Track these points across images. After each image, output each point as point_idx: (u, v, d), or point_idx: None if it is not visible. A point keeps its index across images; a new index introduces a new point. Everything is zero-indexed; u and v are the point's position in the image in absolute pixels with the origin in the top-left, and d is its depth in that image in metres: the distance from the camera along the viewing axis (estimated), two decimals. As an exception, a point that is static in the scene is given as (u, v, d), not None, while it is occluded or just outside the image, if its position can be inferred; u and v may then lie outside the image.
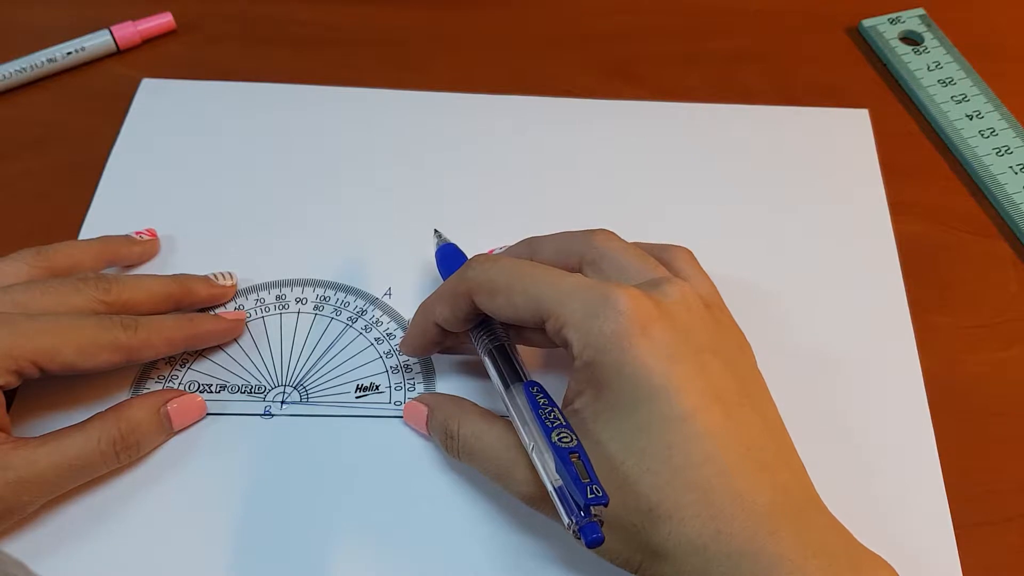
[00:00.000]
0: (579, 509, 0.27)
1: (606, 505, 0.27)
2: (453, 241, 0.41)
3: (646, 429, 0.29)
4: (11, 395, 0.36)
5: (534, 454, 0.30)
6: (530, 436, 0.31)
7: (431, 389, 0.39)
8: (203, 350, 0.40)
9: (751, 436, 0.30)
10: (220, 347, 0.40)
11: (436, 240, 0.42)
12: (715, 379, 0.30)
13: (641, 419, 0.29)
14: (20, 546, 0.34)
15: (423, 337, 0.37)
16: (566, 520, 0.28)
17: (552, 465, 0.29)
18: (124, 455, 0.35)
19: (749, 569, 0.27)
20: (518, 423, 0.32)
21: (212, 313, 0.40)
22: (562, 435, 0.29)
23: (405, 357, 0.40)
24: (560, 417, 0.30)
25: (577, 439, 0.29)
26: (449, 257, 0.40)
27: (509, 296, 0.32)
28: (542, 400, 0.31)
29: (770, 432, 0.31)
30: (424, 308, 0.36)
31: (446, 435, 0.35)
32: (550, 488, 0.29)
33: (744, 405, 0.31)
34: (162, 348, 0.37)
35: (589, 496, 0.27)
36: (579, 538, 0.27)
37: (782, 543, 0.28)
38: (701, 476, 0.29)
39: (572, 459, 0.28)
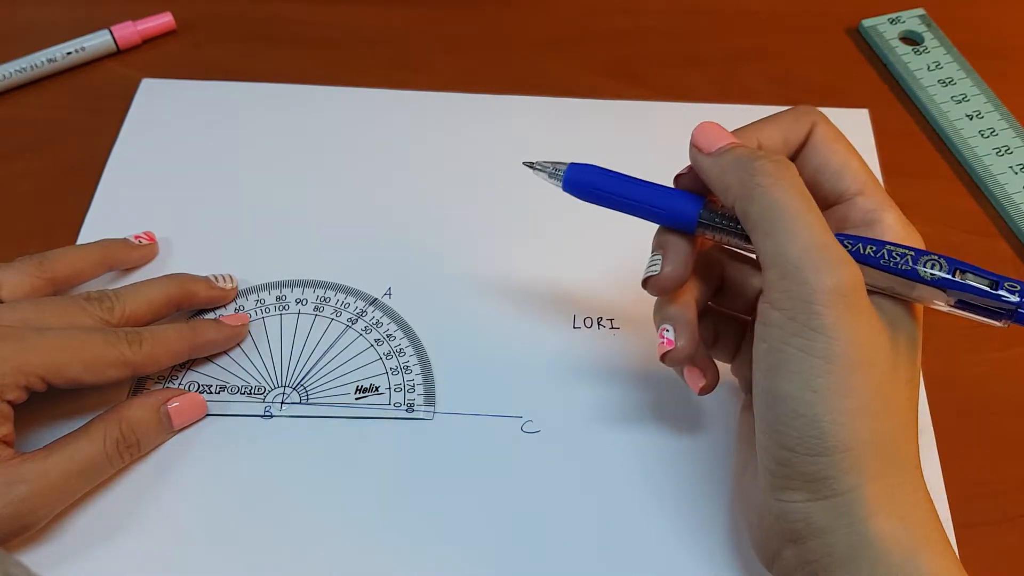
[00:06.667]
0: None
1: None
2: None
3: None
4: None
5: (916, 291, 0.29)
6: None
7: (431, 391, 0.39)
8: (203, 350, 0.40)
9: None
10: (220, 348, 0.40)
11: (544, 170, 0.34)
12: None
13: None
14: (24, 554, 0.34)
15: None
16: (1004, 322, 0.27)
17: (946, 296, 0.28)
18: (126, 454, 0.35)
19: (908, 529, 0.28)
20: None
21: (215, 318, 0.40)
22: (929, 262, 0.28)
23: (406, 358, 0.40)
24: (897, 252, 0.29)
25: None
26: (591, 176, 0.33)
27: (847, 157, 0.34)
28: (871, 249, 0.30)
29: None
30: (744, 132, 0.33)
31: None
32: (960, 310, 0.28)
33: None
34: (166, 360, 0.37)
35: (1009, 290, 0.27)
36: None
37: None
38: (883, 425, 0.28)
39: (959, 277, 0.28)
